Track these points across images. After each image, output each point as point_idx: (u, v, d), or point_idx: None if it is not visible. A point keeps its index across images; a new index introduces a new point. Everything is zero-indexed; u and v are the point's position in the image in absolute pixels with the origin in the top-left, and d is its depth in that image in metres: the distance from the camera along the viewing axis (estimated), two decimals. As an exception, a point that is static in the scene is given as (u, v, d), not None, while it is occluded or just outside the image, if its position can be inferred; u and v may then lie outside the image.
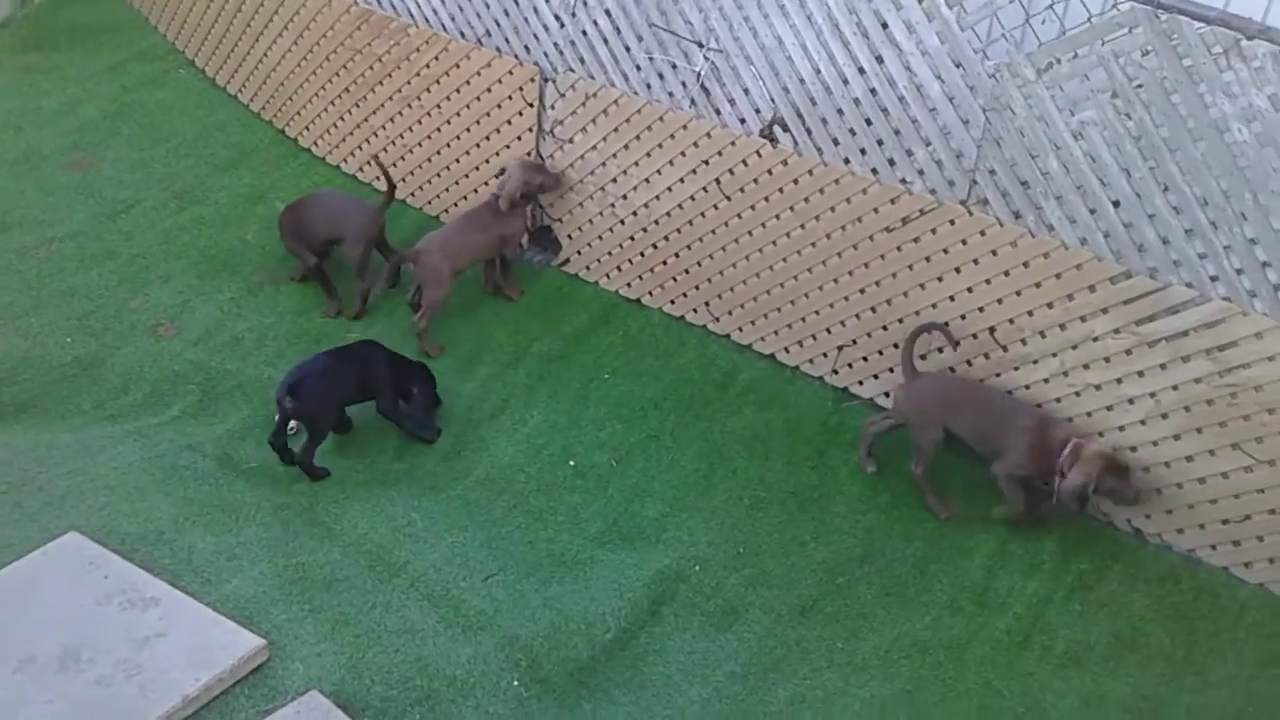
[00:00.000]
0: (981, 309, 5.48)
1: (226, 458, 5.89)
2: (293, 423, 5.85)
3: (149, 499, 5.50)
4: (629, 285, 6.75)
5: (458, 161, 7.17)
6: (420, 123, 7.24)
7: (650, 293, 6.67)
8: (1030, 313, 5.34)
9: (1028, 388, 5.45)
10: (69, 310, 6.77)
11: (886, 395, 5.93)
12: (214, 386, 6.37)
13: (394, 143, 7.41)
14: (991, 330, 5.48)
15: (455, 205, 7.28)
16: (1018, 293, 5.35)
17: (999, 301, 5.42)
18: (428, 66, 7.04)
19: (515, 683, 4.78)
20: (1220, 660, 4.78)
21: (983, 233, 5.37)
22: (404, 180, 7.40)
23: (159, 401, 6.26)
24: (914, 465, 5.51)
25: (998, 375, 5.52)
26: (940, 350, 5.71)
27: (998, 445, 5.29)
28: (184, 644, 4.71)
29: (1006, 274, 5.36)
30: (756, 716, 4.70)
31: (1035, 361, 5.39)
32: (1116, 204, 5.03)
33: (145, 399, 6.29)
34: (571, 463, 5.91)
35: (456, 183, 7.23)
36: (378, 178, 7.27)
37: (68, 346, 6.54)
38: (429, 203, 7.40)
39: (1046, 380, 5.38)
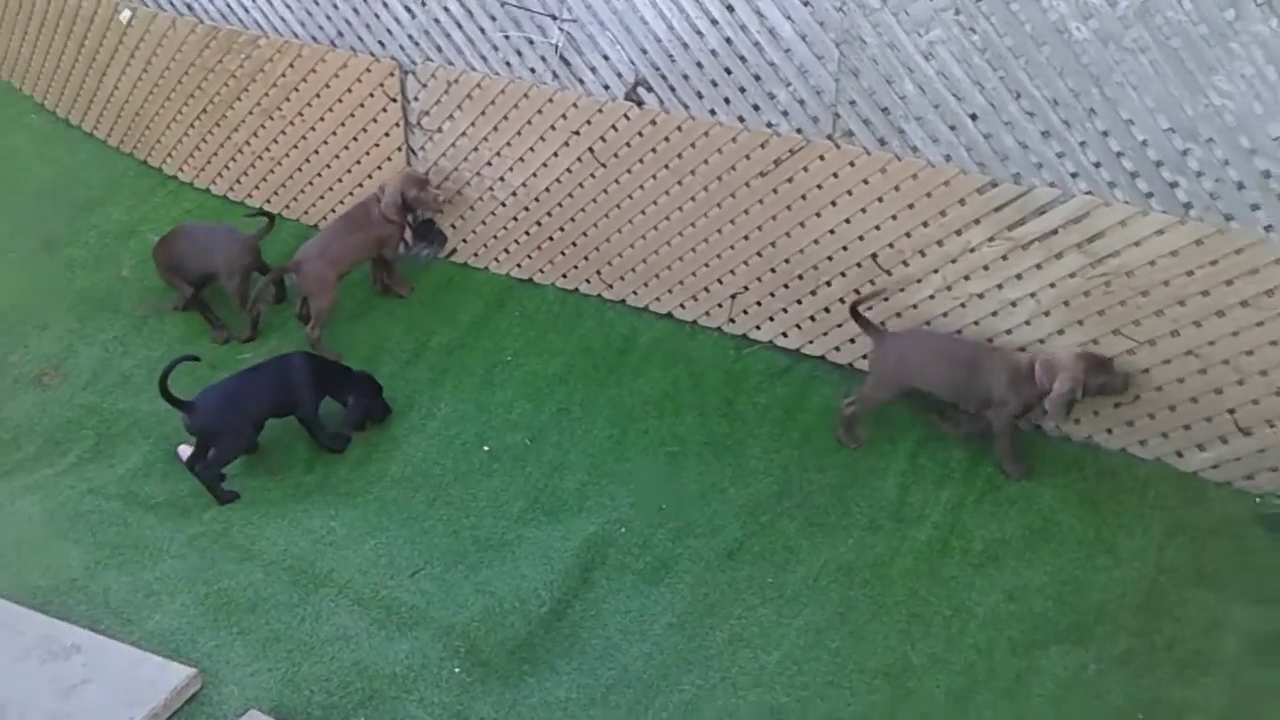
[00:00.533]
0: (861, 237, 5.60)
1: (132, 496, 5.76)
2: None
3: (56, 549, 5.36)
4: (519, 266, 6.73)
5: (329, 167, 7.07)
6: (284, 133, 7.12)
7: (541, 270, 6.67)
8: (908, 234, 5.47)
9: (915, 306, 5.58)
10: (-53, 372, 6.55)
11: (785, 336, 6.02)
12: (109, 428, 6.21)
13: (260, 157, 7.28)
14: (874, 256, 5.60)
15: (332, 211, 7.17)
16: (893, 217, 5.47)
17: (877, 228, 5.53)
18: (284, 75, 6.93)
19: (456, 670, 4.77)
20: (1129, 536, 4.97)
21: (852, 164, 5.48)
22: (276, 193, 7.29)
23: (54, 450, 6.09)
24: (847, 402, 5.51)
25: (886, 299, 5.65)
26: (829, 283, 5.79)
27: (975, 396, 5.25)
28: (112, 686, 4.62)
29: (880, 200, 5.47)
30: (698, 662, 4.75)
31: (919, 280, 5.53)
32: (974, 117, 5.17)
33: (39, 450, 6.12)
34: (486, 448, 5.89)
35: (330, 188, 7.13)
36: (249, 195, 7.14)
37: (-49, 409, 6.32)
38: (305, 213, 7.29)
39: (932, 296, 5.52)
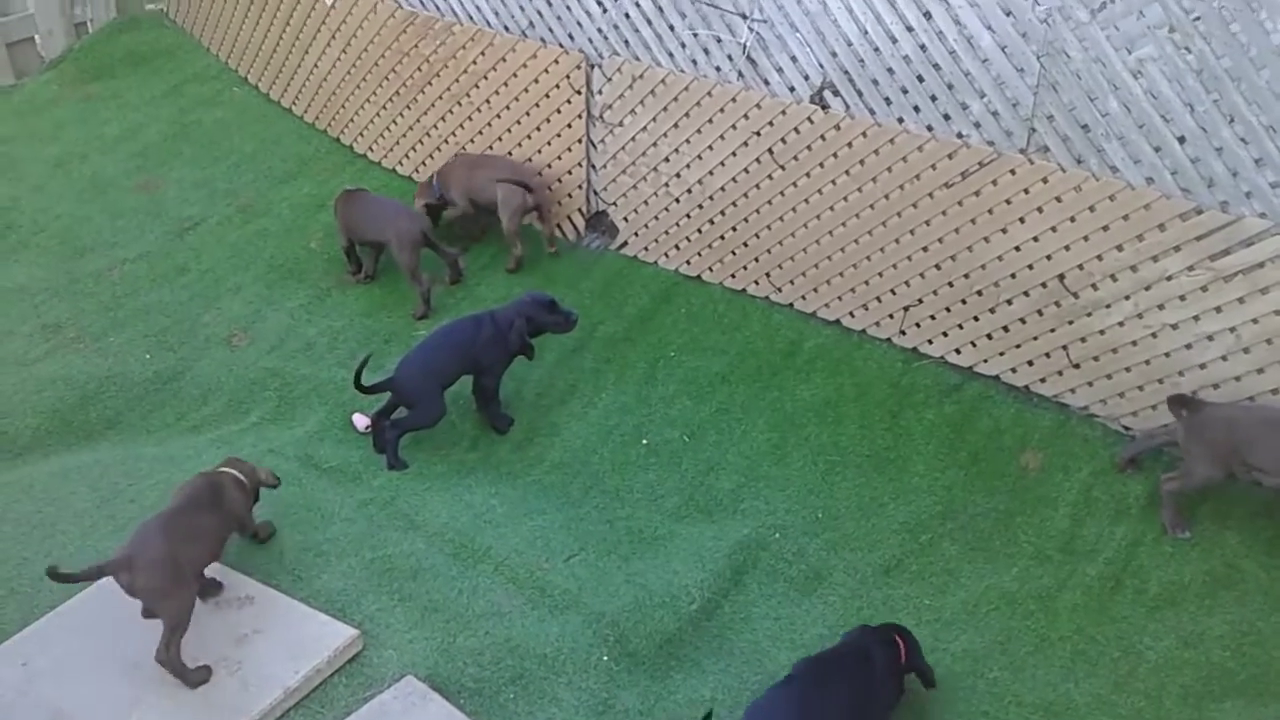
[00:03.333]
0: (1049, 257, 5.41)
1: (307, 458, 6.00)
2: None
3: (236, 503, 5.65)
4: (688, 263, 6.76)
5: (510, 154, 7.23)
6: (471, 119, 7.32)
7: (710, 268, 6.68)
8: (1100, 257, 5.26)
9: (1102, 333, 5.36)
10: (146, 328, 6.95)
11: (958, 352, 5.88)
12: (289, 391, 6.50)
13: (447, 141, 7.51)
14: (1061, 278, 5.40)
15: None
16: (1085, 238, 5.27)
17: (1066, 248, 5.34)
18: (474, 63, 7.12)
19: (605, 657, 4.82)
20: (1320, 592, 4.68)
21: (1045, 180, 5.30)
22: (459, 177, 7.50)
23: (238, 409, 6.41)
24: (1169, 480, 5.06)
25: (1070, 323, 5.44)
26: (1010, 302, 5.62)
27: None
28: (281, 638, 4.82)
29: (1072, 220, 5.28)
30: (848, 677, 4.68)
31: (1108, 306, 5.31)
32: (1181, 140, 4.93)
33: (225, 408, 6.44)
34: (644, 441, 5.94)
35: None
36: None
37: (147, 363, 6.71)
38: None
39: (1121, 324, 5.30)
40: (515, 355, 6.03)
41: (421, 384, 5.89)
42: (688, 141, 6.44)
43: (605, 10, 6.52)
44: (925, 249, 5.79)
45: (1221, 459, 4.85)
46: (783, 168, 6.13)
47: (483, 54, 7.05)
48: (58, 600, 4.98)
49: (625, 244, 7.00)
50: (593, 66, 6.68)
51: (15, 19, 9.04)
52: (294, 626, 4.90)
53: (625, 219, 6.96)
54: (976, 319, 5.75)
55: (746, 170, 6.28)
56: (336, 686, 4.69)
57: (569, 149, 6.96)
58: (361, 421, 6.18)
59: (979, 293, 5.68)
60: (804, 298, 6.35)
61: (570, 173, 7.03)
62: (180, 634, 4.59)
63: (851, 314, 6.17)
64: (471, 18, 7.11)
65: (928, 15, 5.40)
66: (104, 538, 5.36)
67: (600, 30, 6.59)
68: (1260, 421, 4.82)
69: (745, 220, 6.41)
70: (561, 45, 6.77)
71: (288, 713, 4.59)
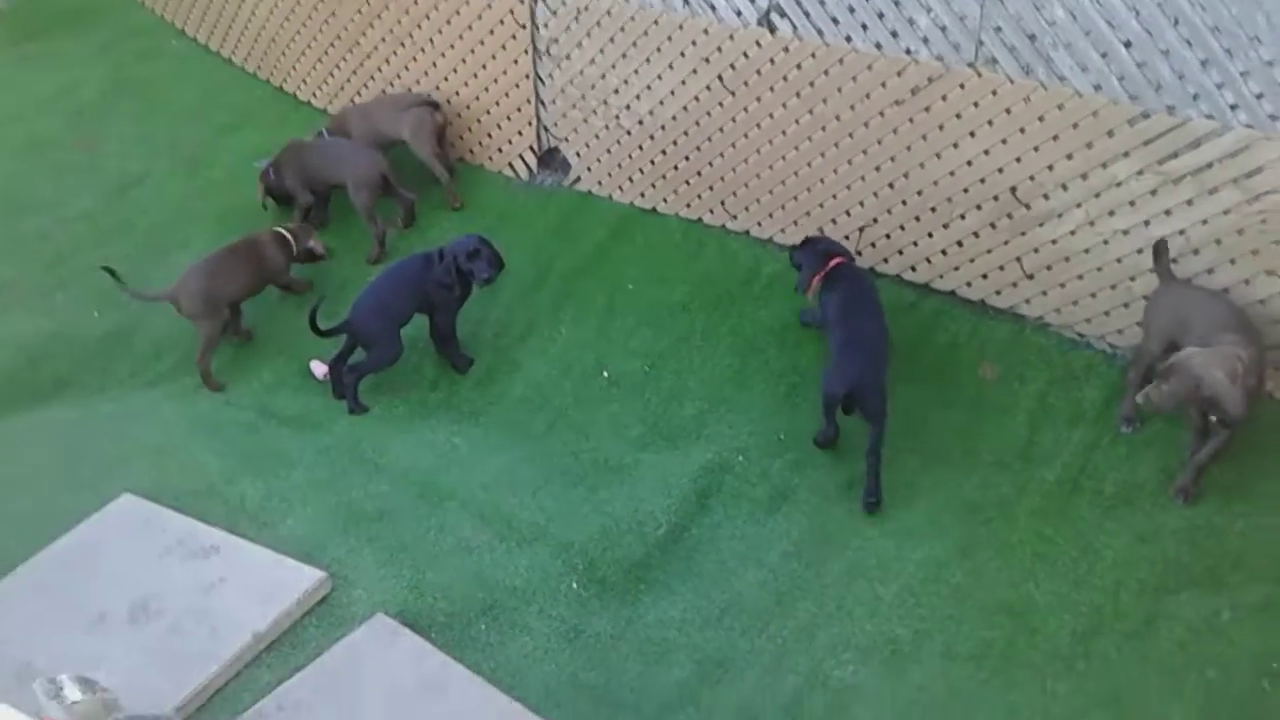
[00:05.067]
0: (1000, 169, 5.41)
1: (265, 408, 5.96)
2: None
3: (196, 455, 5.58)
4: (642, 195, 6.71)
5: (457, 94, 7.13)
6: (415, 60, 7.20)
7: (665, 199, 6.63)
8: (1050, 167, 5.27)
9: (1054, 242, 5.39)
10: (93, 286, 6.82)
11: (913, 270, 5.89)
12: (244, 343, 6.43)
13: (391, 84, 7.38)
14: (1013, 190, 5.41)
15: (460, 138, 7.26)
16: (1035, 148, 5.27)
17: (1017, 160, 5.34)
18: (415, 3, 6.98)
19: (574, 585, 4.84)
20: (1273, 482, 4.75)
21: (994, 92, 5.29)
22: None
23: (193, 363, 6.32)
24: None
25: (1023, 234, 5.47)
26: (963, 217, 5.63)
27: None
28: (248, 585, 4.80)
29: (1022, 131, 5.28)
30: (813, 589, 4.74)
31: (1060, 215, 5.33)
32: (1128, 44, 4.93)
33: (179, 362, 6.37)
34: (605, 374, 5.93)
35: (459, 114, 7.19)
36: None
37: (96, 321, 6.61)
38: (434, 139, 7.38)
39: (1073, 232, 5.32)
40: (466, 294, 5.97)
41: (377, 324, 5.84)
42: (636, 72, 6.37)
43: (546, -60, 6.41)
44: (878, 168, 5.78)
45: (1161, 334, 4.88)
46: (733, 94, 6.08)
47: (423, -8, 6.93)
48: (18, 560, 4.93)
49: (579, 179, 6.94)
50: (536, 0, 6.58)
51: (-59, -22, 8.77)
52: (261, 572, 4.87)
53: (577, 154, 6.89)
54: (931, 236, 5.76)
55: (697, 98, 6.23)
56: (307, 629, 4.67)
57: (516, 85, 6.86)
58: (320, 369, 6.13)
59: (933, 209, 5.68)
60: (759, 224, 6.33)
61: (519, 110, 6.93)
62: (211, 349, 6.15)
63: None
64: (410, -45, 6.98)
65: (871, -71, 5.36)
66: (64, 495, 5.29)
67: (542, -39, 6.49)
68: (1200, 296, 4.85)
69: (698, 149, 6.37)
70: (503, -21, 6.66)
71: (259, 656, 4.57)
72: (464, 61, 6.99)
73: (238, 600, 4.75)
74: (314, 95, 7.85)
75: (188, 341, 6.43)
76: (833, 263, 5.62)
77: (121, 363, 6.39)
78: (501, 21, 6.70)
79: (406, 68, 7.26)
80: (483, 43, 6.85)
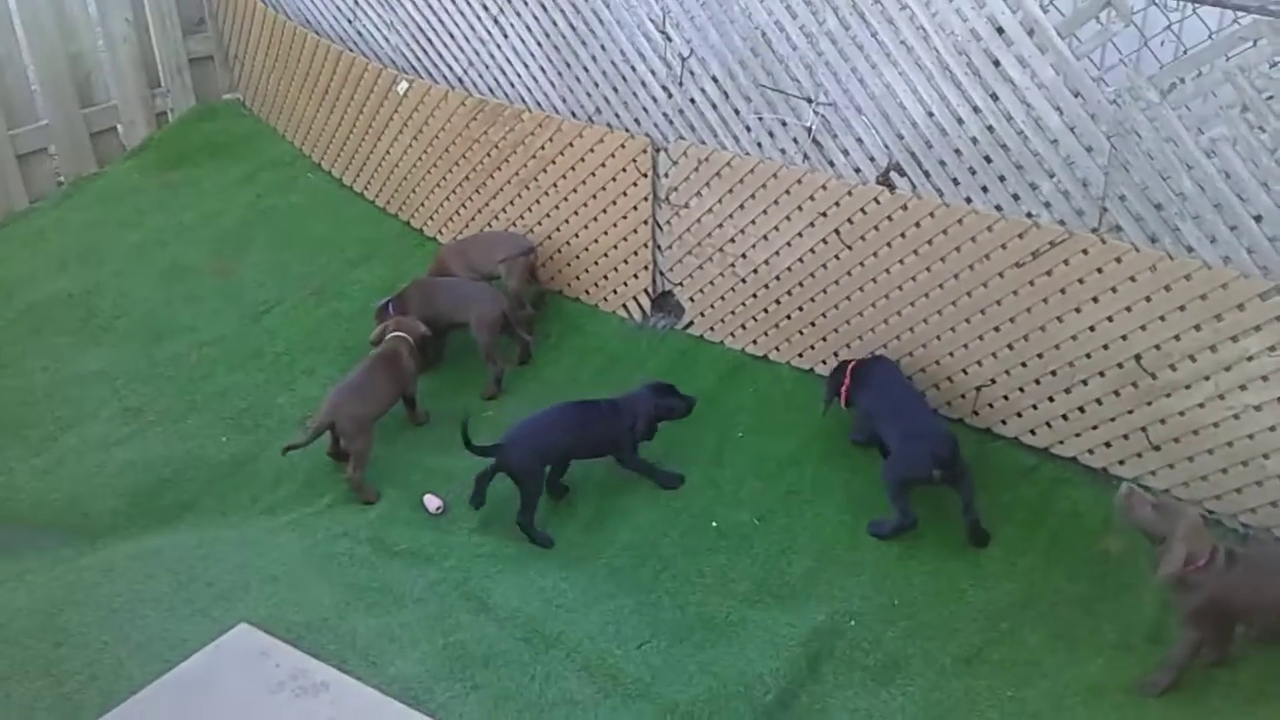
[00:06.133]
0: (1124, 337, 5.34)
1: (379, 541, 6.04)
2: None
3: (311, 587, 5.67)
4: (754, 342, 6.77)
5: (577, 236, 7.35)
6: (538, 202, 7.45)
7: (777, 348, 6.68)
8: (1177, 337, 5.18)
9: (1182, 414, 5.27)
10: (222, 410, 7.09)
11: (1033, 434, 5.80)
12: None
13: (515, 224, 7.64)
14: (1137, 358, 5.33)
15: (577, 279, 7.45)
16: (1162, 318, 5.20)
17: (1142, 328, 5.27)
18: (542, 148, 7.26)
19: (680, 748, 4.76)
20: None
21: (1118, 259, 5.26)
22: (527, 259, 7.62)
23: (311, 492, 6.48)
24: None
25: (1148, 404, 5.35)
26: (1085, 383, 5.55)
27: None
28: (355, 726, 4.84)
29: (1148, 299, 5.22)
30: (929, 771, 4.59)
31: (1188, 387, 5.22)
32: (1258, 218, 4.88)
33: (299, 490, 6.52)
34: (714, 524, 5.91)
35: (577, 256, 7.40)
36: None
37: (223, 445, 6.84)
38: (551, 279, 7.59)
39: (1202, 405, 5.20)
40: (649, 435, 6.15)
41: (528, 458, 5.98)
42: (753, 222, 6.50)
43: (670, 95, 6.63)
44: (997, 329, 5.75)
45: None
46: (849, 248, 6.15)
47: (550, 139, 7.20)
48: (138, 685, 5.05)
49: (691, 323, 7.05)
50: (658, 150, 6.79)
51: (99, 109, 9.41)
52: (369, 713, 4.90)
53: (691, 299, 7.01)
54: (1052, 399, 5.68)
55: (813, 250, 6.31)
56: (413, 778, 4.69)
57: (634, 230, 7.05)
58: (433, 503, 6.24)
59: (1053, 373, 5.61)
60: (873, 377, 6.32)
61: (636, 254, 7.11)
62: (362, 465, 6.30)
63: (922, 394, 6.13)
64: (539, 104, 7.27)
65: (994, 97, 5.43)
66: (183, 620, 5.43)
67: (666, 115, 6.70)
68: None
69: (812, 300, 6.43)
70: (628, 130, 6.89)
71: (363, 804, 4.59)
72: (585, 205, 7.22)
73: (345, 742, 4.78)
74: (440, 232, 8.16)
75: (308, 468, 6.62)
76: (851, 364, 5.84)
77: (244, 489, 6.56)
78: (624, 169, 6.92)
79: (530, 209, 7.52)
80: (605, 188, 7.07)
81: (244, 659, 5.22)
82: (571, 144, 7.10)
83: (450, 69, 7.71)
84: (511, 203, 7.60)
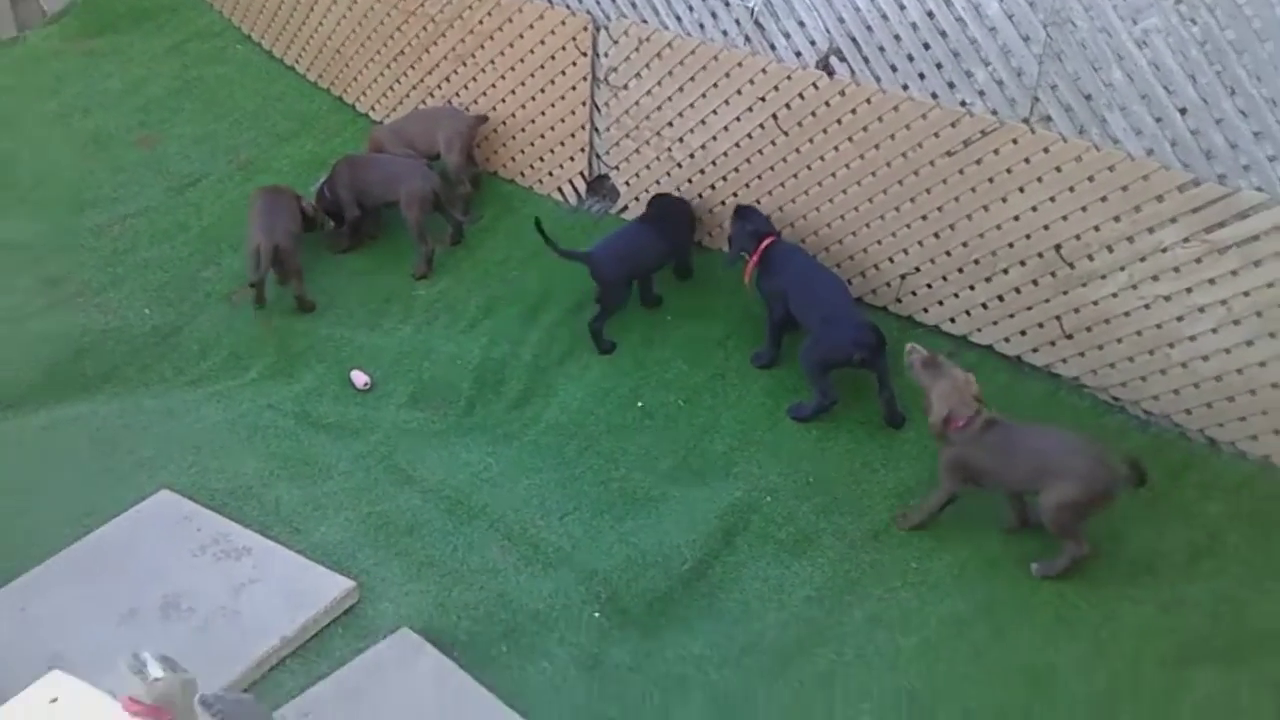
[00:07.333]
0: (1046, 227, 5.43)
1: (305, 414, 6.05)
2: None
3: (234, 456, 5.68)
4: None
5: (513, 116, 7.23)
6: (475, 79, 7.31)
7: (710, 233, 6.69)
8: (1097, 228, 5.28)
9: (1096, 303, 5.39)
10: (146, 283, 6.98)
11: (952, 321, 5.91)
12: (288, 348, 6.53)
13: (449, 101, 7.50)
14: (1057, 248, 5.42)
15: (513, 160, 7.36)
16: (1083, 208, 5.29)
17: (1064, 218, 5.36)
18: (480, 23, 7.09)
19: (596, 614, 4.88)
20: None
21: (1046, 150, 5.31)
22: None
23: (237, 365, 6.44)
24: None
25: (1064, 293, 5.47)
26: (1005, 271, 5.65)
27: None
28: (278, 589, 4.89)
29: (1071, 190, 5.29)
30: (833, 636, 4.75)
31: (1103, 277, 5.33)
32: (1183, 111, 4.94)
33: (224, 363, 6.47)
34: (639, 404, 5.98)
35: (513, 137, 7.30)
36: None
37: (146, 317, 6.74)
38: (486, 159, 7.49)
39: (1115, 295, 5.33)
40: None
41: (614, 267, 6.18)
42: (692, 106, 6.44)
43: (610, -28, 6.50)
44: (924, 217, 5.81)
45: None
46: (786, 133, 6.13)
47: (489, 14, 7.02)
48: (55, 548, 5.05)
49: (626, 208, 7.01)
50: (599, 28, 6.66)
51: (18, -29, 9.01)
52: (292, 577, 4.96)
53: (626, 183, 6.96)
54: (972, 288, 5.78)
55: (750, 135, 6.29)
56: (333, 636, 4.76)
57: (572, 112, 6.95)
58: (360, 378, 6.23)
59: (976, 261, 5.70)
60: (803, 263, 6.37)
61: (573, 135, 7.02)
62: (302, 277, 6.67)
63: (849, 281, 6.19)
64: (477, -22, 7.10)
65: (934, -18, 5.40)
66: (102, 487, 5.42)
67: (606, -8, 6.58)
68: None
69: (747, 185, 6.42)
70: (569, 6, 6.75)
71: (284, 661, 4.66)
72: (523, 84, 7.09)
73: (267, 603, 4.84)
74: (373, 108, 7.98)
75: (232, 341, 6.57)
76: (766, 243, 5.93)
77: (167, 360, 6.50)
78: (564, 47, 6.80)
79: (466, 86, 7.37)
80: (543, 67, 6.95)
81: (166, 523, 5.23)
82: (510, 20, 6.95)
83: (386, -62, 7.47)
84: (447, 79, 7.44)
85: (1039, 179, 5.37)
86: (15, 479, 5.43)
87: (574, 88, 6.87)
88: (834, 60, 5.87)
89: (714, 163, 6.49)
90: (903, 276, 5.99)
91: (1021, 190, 5.45)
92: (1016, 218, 5.50)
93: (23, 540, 5.07)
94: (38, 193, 7.72)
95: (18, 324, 6.62)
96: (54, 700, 2.79)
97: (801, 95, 5.99)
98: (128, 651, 4.36)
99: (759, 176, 6.34)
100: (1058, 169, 5.30)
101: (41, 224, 7.43)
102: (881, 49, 5.69)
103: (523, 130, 7.24)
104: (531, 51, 6.94)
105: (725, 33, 6.20)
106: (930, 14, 5.47)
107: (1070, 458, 4.71)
